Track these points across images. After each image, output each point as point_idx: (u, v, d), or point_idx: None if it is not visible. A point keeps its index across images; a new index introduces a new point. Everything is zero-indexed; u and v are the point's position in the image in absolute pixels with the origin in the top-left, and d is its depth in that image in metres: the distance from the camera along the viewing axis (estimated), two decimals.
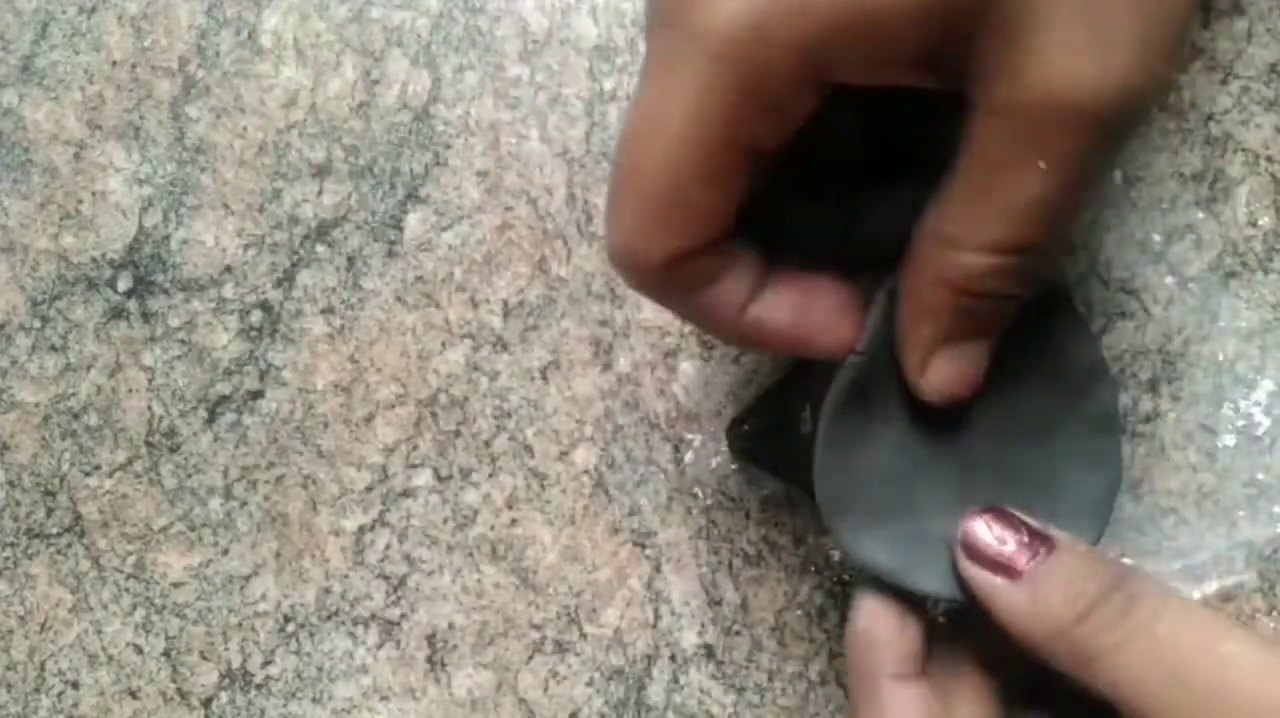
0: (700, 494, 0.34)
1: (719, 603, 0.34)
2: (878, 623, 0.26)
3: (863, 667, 0.26)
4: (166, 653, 0.36)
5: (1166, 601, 0.23)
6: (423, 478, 0.35)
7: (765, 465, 0.33)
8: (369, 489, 0.35)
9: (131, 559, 0.36)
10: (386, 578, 0.35)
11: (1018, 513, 0.25)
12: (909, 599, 0.26)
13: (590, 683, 0.34)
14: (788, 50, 0.20)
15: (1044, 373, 0.26)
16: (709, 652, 0.34)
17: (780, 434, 0.30)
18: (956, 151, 0.22)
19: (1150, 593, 0.23)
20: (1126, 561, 0.32)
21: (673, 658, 0.34)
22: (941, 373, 0.24)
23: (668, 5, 0.21)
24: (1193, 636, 0.23)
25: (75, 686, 0.36)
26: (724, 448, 0.34)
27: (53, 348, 0.37)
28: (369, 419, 0.35)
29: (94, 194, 0.37)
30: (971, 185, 0.22)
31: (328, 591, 0.35)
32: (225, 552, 0.36)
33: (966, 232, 0.22)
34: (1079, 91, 0.20)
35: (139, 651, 0.36)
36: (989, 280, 0.23)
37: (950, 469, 0.26)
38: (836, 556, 0.33)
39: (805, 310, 0.25)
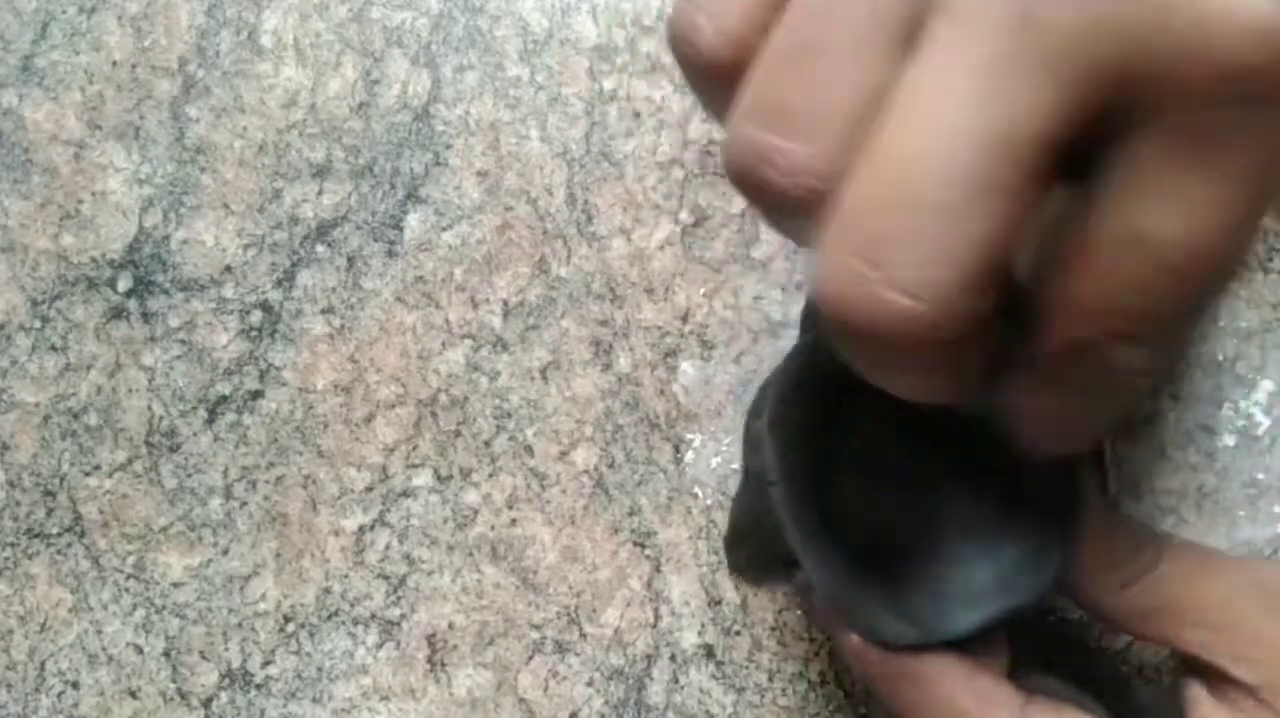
0: (700, 494, 0.34)
1: (719, 603, 0.34)
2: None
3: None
4: (166, 653, 0.36)
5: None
6: (423, 478, 0.35)
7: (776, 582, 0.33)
8: (369, 489, 0.35)
9: (131, 559, 0.36)
10: (386, 578, 0.35)
11: None
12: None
13: (590, 683, 0.34)
14: None
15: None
16: (709, 652, 0.34)
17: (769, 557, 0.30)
18: None
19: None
20: None
21: (673, 658, 0.34)
22: None
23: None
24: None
25: (75, 686, 0.36)
26: (725, 448, 0.34)
27: (53, 348, 0.37)
28: (369, 419, 0.35)
29: (94, 194, 0.37)
30: None
31: (328, 591, 0.35)
32: (225, 552, 0.36)
33: None
34: None
35: (139, 651, 0.36)
36: None
37: (914, 518, 0.27)
38: None
39: None
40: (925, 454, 0.26)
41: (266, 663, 0.36)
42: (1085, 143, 0.17)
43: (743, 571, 0.33)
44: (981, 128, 0.17)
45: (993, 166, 0.17)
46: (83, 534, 0.36)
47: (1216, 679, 0.25)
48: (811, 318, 0.31)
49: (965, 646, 0.25)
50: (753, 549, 0.30)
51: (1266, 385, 0.32)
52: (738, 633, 0.34)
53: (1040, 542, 0.26)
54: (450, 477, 0.35)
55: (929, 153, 0.17)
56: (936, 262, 0.17)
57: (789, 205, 0.18)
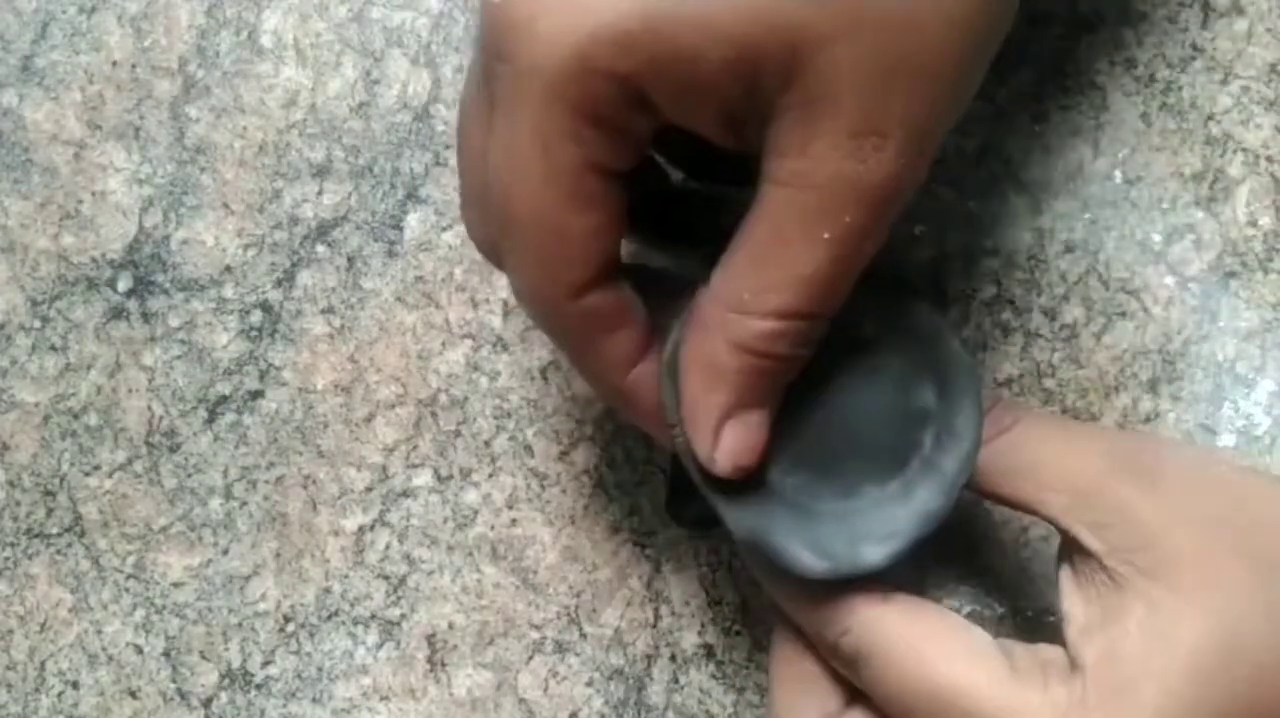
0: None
1: (719, 603, 0.34)
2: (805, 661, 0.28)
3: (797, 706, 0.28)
4: (166, 653, 0.36)
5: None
6: (423, 478, 0.35)
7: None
8: (369, 489, 0.35)
9: (131, 559, 0.36)
10: (386, 578, 0.35)
11: None
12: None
13: (590, 683, 0.34)
14: (611, 80, 0.22)
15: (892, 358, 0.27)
16: (709, 652, 0.34)
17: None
18: (744, 216, 0.24)
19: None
20: None
21: (673, 658, 0.34)
22: (734, 442, 0.25)
23: (500, 43, 0.22)
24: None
25: (75, 686, 0.36)
26: None
27: (53, 348, 0.37)
28: (369, 419, 0.35)
29: (94, 194, 0.37)
30: (759, 253, 0.24)
31: (328, 591, 0.35)
32: (225, 552, 0.36)
33: (755, 298, 0.24)
34: (857, 174, 0.22)
35: (139, 651, 0.36)
36: (778, 344, 0.24)
37: (815, 454, 0.27)
38: None
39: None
40: (833, 386, 0.27)
41: (266, 663, 0.36)
42: None
43: (689, 524, 0.33)
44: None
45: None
46: (83, 534, 0.36)
47: (1077, 554, 0.25)
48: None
49: (877, 577, 0.26)
50: (693, 500, 0.30)
51: (1266, 385, 0.33)
52: (738, 633, 0.34)
53: (949, 472, 0.26)
54: (450, 477, 0.35)
55: (519, 190, 0.24)
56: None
57: None
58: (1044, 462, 0.26)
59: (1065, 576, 0.26)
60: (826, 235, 0.23)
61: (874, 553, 0.26)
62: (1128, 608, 0.24)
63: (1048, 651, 0.25)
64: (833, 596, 0.26)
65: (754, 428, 0.25)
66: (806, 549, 0.26)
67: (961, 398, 0.26)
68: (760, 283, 0.23)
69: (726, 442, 0.25)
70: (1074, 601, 0.25)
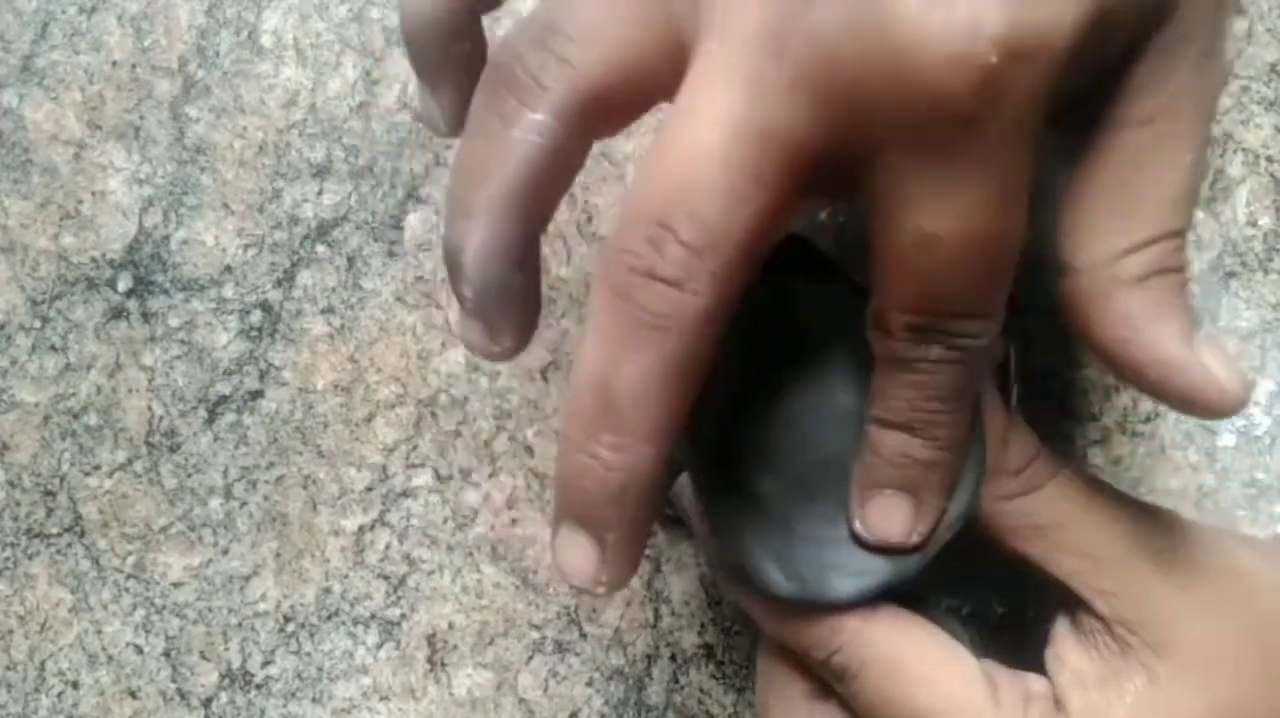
0: None
1: (719, 603, 0.34)
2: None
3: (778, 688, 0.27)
4: (166, 653, 0.36)
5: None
6: (423, 478, 0.35)
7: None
8: (369, 489, 0.35)
9: (131, 559, 0.36)
10: (386, 578, 0.35)
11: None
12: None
13: (590, 683, 0.34)
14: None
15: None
16: (709, 652, 0.34)
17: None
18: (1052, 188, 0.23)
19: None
20: None
21: (673, 658, 0.34)
22: (1217, 364, 0.23)
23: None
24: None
25: (75, 686, 0.36)
26: None
27: (53, 348, 0.37)
28: (369, 419, 0.35)
29: (94, 194, 0.37)
30: (1121, 199, 0.23)
31: (328, 591, 0.35)
32: (225, 552, 0.36)
33: (1128, 237, 0.23)
34: (1202, 90, 0.22)
35: (139, 651, 0.36)
36: (1169, 258, 0.23)
37: (810, 474, 0.27)
38: None
39: None
40: (839, 415, 0.27)
41: (266, 663, 0.36)
42: (847, 161, 0.21)
43: (671, 523, 0.33)
44: (748, 127, 0.20)
45: (757, 159, 0.20)
46: (83, 534, 0.36)
47: (1081, 612, 0.25)
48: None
49: (846, 606, 0.26)
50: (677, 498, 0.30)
51: (1266, 385, 0.32)
52: (738, 633, 0.34)
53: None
54: (450, 477, 0.35)
55: (706, 144, 0.20)
56: (711, 233, 0.20)
57: None
58: (1065, 526, 0.26)
59: (1063, 625, 0.26)
60: (1190, 158, 0.22)
61: (842, 586, 0.26)
62: (1129, 672, 0.24)
63: (1034, 682, 0.25)
64: (819, 613, 0.26)
65: (1222, 342, 0.24)
66: (778, 568, 0.26)
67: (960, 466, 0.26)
68: (1128, 226, 0.23)
69: (1213, 366, 0.23)
70: (1069, 647, 0.26)
